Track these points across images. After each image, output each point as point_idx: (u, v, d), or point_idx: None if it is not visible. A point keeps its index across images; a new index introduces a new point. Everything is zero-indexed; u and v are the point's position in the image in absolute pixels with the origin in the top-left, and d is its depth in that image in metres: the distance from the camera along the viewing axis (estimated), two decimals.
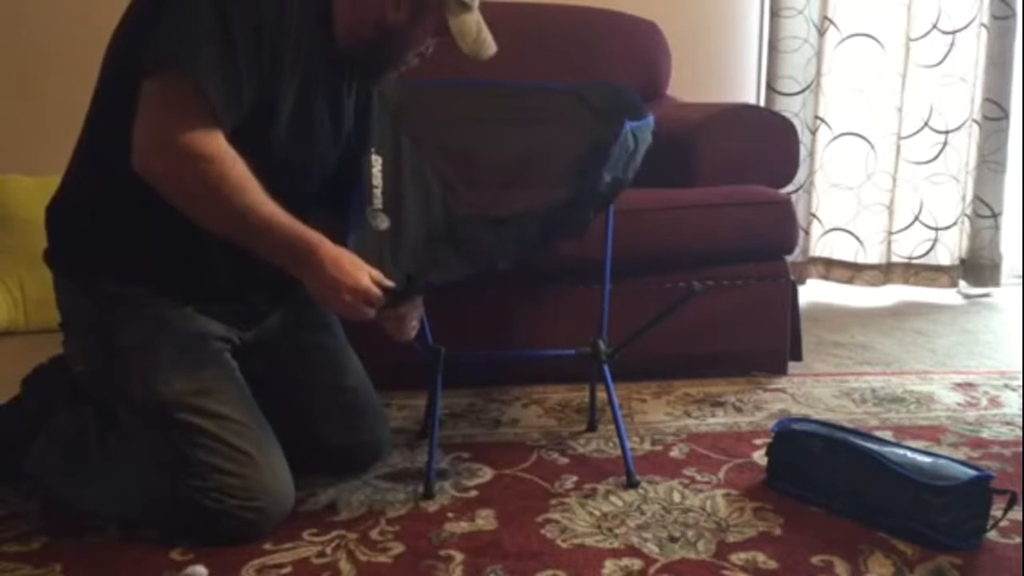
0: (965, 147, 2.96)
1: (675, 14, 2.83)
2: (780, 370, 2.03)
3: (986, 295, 3.05)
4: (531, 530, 1.25)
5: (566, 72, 2.36)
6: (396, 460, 1.51)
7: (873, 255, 3.03)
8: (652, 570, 1.14)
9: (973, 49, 2.91)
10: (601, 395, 1.62)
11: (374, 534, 1.24)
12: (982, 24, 2.90)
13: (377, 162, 1.37)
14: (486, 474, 1.46)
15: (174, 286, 1.26)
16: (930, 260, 3.03)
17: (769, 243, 1.98)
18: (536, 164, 1.41)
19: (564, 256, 1.67)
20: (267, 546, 1.20)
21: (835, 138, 3.00)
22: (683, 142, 2.07)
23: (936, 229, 3.01)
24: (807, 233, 3.05)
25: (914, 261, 3.04)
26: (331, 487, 1.39)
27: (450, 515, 1.30)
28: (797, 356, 2.05)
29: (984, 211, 3.01)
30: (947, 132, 2.95)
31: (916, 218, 3.02)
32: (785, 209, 1.98)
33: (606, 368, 1.49)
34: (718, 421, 1.72)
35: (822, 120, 2.99)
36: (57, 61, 2.62)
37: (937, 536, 1.20)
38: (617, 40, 2.53)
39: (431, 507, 1.33)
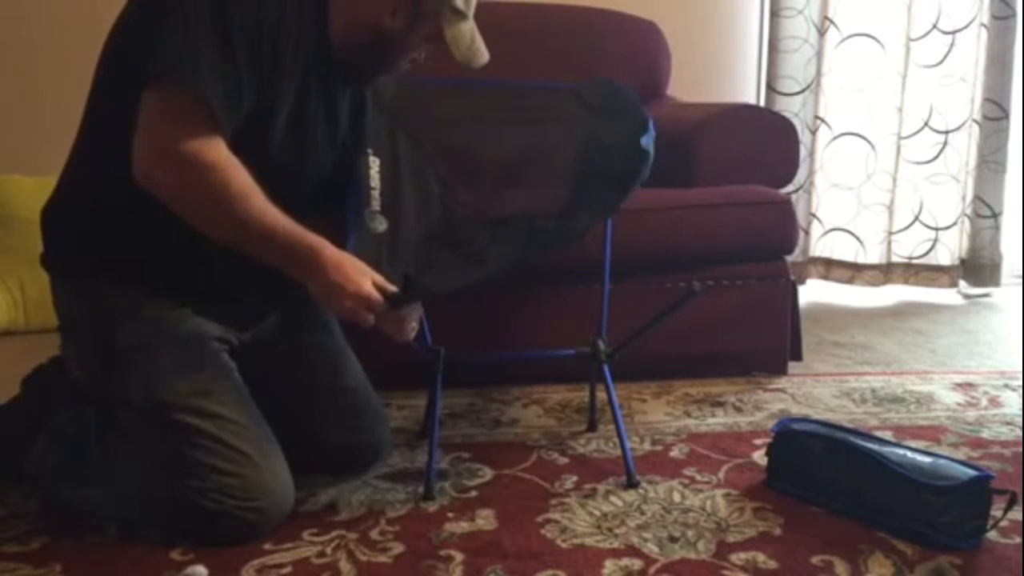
0: (965, 147, 2.96)
1: (675, 14, 2.83)
2: (780, 370, 2.03)
3: (986, 295, 3.05)
4: (531, 530, 1.25)
5: (566, 72, 2.36)
6: (396, 460, 1.51)
7: (873, 255, 3.03)
8: (652, 570, 1.14)
9: (973, 49, 2.91)
10: (601, 395, 1.62)
11: (374, 534, 1.24)
12: (982, 24, 2.90)
13: (375, 163, 1.37)
14: (486, 474, 1.46)
15: (172, 287, 1.26)
16: (930, 260, 3.03)
17: (769, 243, 1.98)
18: (535, 164, 1.41)
19: (564, 256, 1.68)
20: (267, 546, 1.20)
21: (835, 138, 3.00)
22: (683, 142, 2.07)
23: (936, 229, 3.01)
24: (807, 233, 3.05)
25: (914, 261, 3.04)
26: (331, 487, 1.39)
27: (450, 515, 1.30)
28: (797, 356, 2.05)
29: (984, 211, 3.01)
30: (947, 132, 2.95)
31: (916, 218, 3.02)
32: (785, 209, 1.98)
33: (606, 368, 1.49)
34: (718, 421, 1.72)
35: (822, 120, 2.99)
36: (57, 61, 2.63)
37: (937, 536, 1.20)
38: (617, 40, 2.53)
39: (431, 507, 1.33)
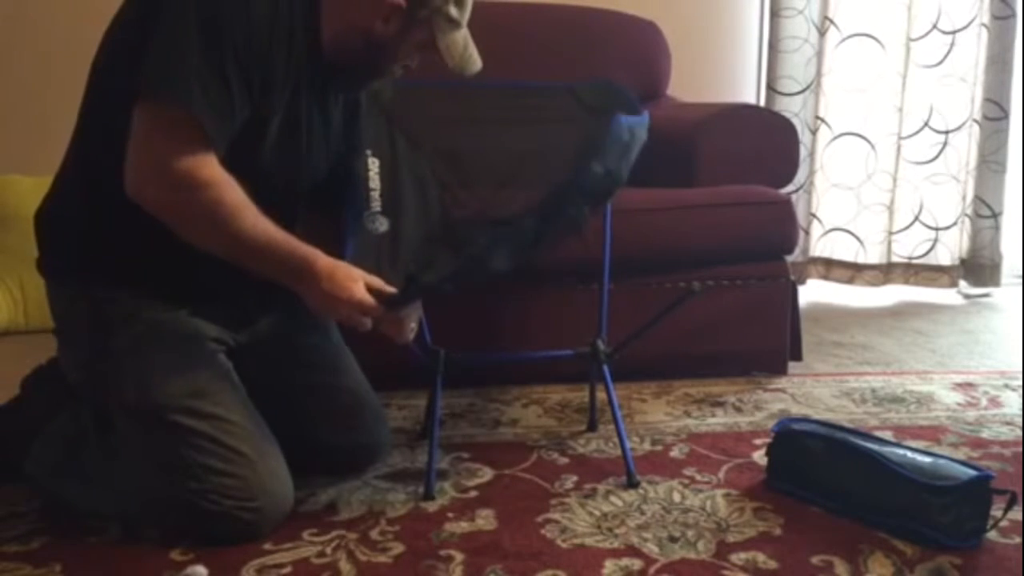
0: (965, 147, 2.96)
1: (675, 14, 2.83)
2: (780, 370, 2.03)
3: (986, 295, 3.05)
4: (531, 530, 1.25)
5: (566, 72, 2.36)
6: (396, 460, 1.51)
7: (873, 255, 3.03)
8: (652, 570, 1.14)
9: (973, 49, 2.91)
10: (601, 395, 1.62)
11: (374, 534, 1.24)
12: (982, 24, 2.90)
13: (374, 164, 1.37)
14: (486, 474, 1.46)
15: (167, 290, 1.26)
16: (930, 260, 3.03)
17: (769, 243, 1.98)
18: (533, 164, 1.41)
19: (564, 256, 1.67)
20: (267, 546, 1.20)
21: (835, 138, 3.00)
22: (683, 142, 2.07)
23: (936, 229, 3.01)
24: (807, 233, 3.05)
25: (914, 261, 3.04)
26: (331, 487, 1.39)
27: (450, 515, 1.30)
28: (797, 356, 2.05)
29: (984, 211, 3.01)
30: (947, 132, 2.95)
31: (916, 218, 3.02)
32: (785, 209, 1.98)
33: (605, 368, 1.49)
34: (718, 421, 1.72)
35: (822, 120, 2.99)
36: (57, 61, 2.62)
37: (937, 536, 1.20)
38: (617, 40, 2.53)
39: (431, 507, 1.33)
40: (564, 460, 1.52)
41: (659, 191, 1.95)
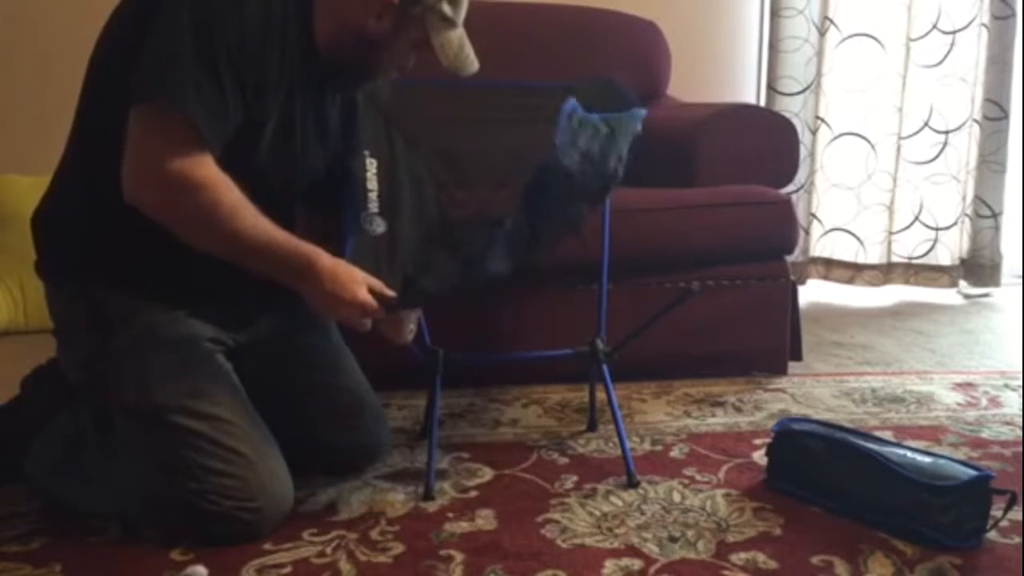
0: (965, 147, 2.96)
1: (675, 14, 2.83)
2: (780, 370, 2.03)
3: (986, 295, 3.05)
4: (531, 530, 1.25)
5: (566, 72, 2.35)
6: (396, 460, 1.51)
7: (873, 255, 3.03)
8: (652, 570, 1.14)
9: (973, 49, 2.91)
10: (601, 395, 1.62)
11: (374, 534, 1.24)
12: (982, 24, 2.90)
13: (372, 165, 1.37)
14: (486, 474, 1.45)
15: (166, 290, 1.25)
16: (930, 260, 3.03)
17: (769, 243, 1.98)
18: (531, 164, 1.40)
19: (564, 256, 1.67)
20: (267, 546, 1.20)
21: (835, 138, 3.00)
22: (683, 142, 2.07)
23: (936, 229, 3.01)
24: (807, 233, 3.05)
25: (914, 261, 3.04)
26: (331, 487, 1.39)
27: (450, 515, 1.30)
28: (797, 356, 2.05)
29: (984, 211, 3.01)
30: (947, 132, 2.95)
31: (916, 218, 3.02)
32: (785, 209, 1.98)
33: (605, 368, 1.49)
34: (718, 421, 1.72)
35: (822, 120, 2.99)
36: (57, 60, 2.62)
37: (937, 536, 1.20)
38: (617, 40, 2.53)
39: (431, 507, 1.33)
40: (564, 460, 1.52)
41: (659, 191, 1.95)
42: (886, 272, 3.05)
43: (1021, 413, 1.76)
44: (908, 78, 2.94)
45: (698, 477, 1.44)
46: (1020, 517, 1.26)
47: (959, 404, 1.83)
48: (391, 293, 1.24)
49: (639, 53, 2.55)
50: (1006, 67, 2.93)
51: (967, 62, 2.91)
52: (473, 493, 1.38)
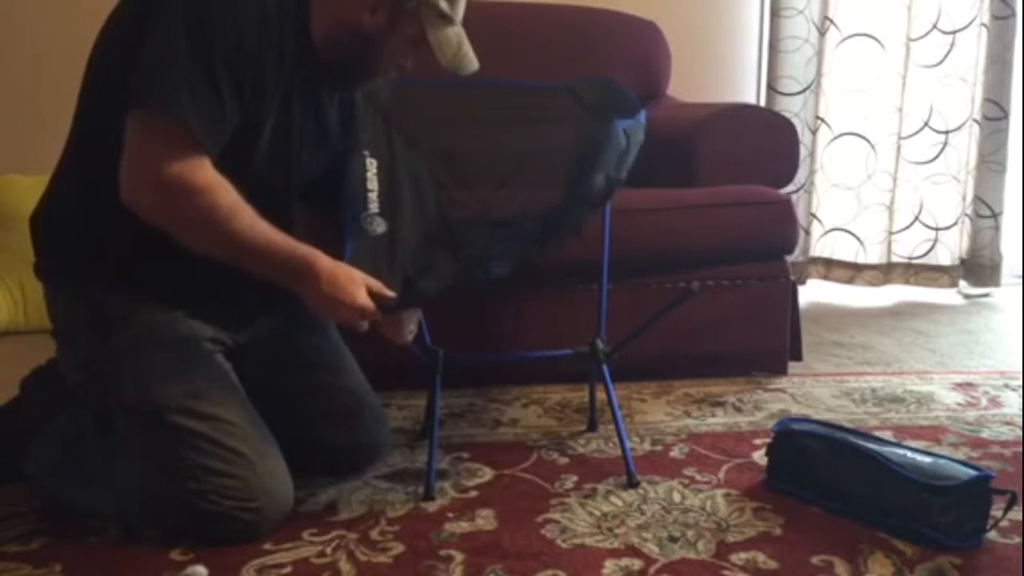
0: (965, 147, 2.96)
1: (675, 14, 2.83)
2: (780, 370, 2.03)
3: (986, 295, 3.05)
4: (531, 530, 1.25)
5: (566, 72, 2.35)
6: (396, 460, 1.51)
7: (873, 255, 3.03)
8: (652, 570, 1.14)
9: (973, 49, 2.91)
10: (601, 395, 1.62)
11: (374, 534, 1.24)
12: (982, 24, 2.90)
13: (372, 165, 1.37)
14: (486, 474, 1.45)
15: (165, 290, 1.25)
16: (930, 260, 3.03)
17: (769, 243, 1.98)
18: (532, 164, 1.40)
19: (564, 256, 1.67)
20: (267, 546, 1.20)
21: (835, 138, 3.00)
22: (683, 142, 2.07)
23: (936, 229, 3.01)
24: (807, 233, 3.05)
25: (914, 261, 3.04)
26: (331, 487, 1.39)
27: (450, 515, 1.30)
28: (797, 356, 2.05)
29: (984, 211, 3.01)
30: (947, 132, 2.95)
31: (916, 218, 3.02)
32: (785, 209, 1.98)
33: (605, 368, 1.49)
34: (718, 421, 1.72)
35: (822, 120, 2.99)
36: (57, 61, 2.62)
37: (937, 536, 1.20)
38: (617, 40, 2.53)
39: (431, 507, 1.33)
40: (564, 460, 1.52)
41: (659, 191, 1.95)
42: (886, 272, 3.05)
43: (1021, 413, 1.76)
44: (908, 78, 2.94)
45: (698, 477, 1.44)
46: (1020, 517, 1.26)
47: (959, 404, 1.83)
48: (391, 294, 1.24)
49: (639, 53, 2.55)
50: (1006, 67, 2.93)
51: (967, 62, 2.91)
52: (473, 493, 1.38)
